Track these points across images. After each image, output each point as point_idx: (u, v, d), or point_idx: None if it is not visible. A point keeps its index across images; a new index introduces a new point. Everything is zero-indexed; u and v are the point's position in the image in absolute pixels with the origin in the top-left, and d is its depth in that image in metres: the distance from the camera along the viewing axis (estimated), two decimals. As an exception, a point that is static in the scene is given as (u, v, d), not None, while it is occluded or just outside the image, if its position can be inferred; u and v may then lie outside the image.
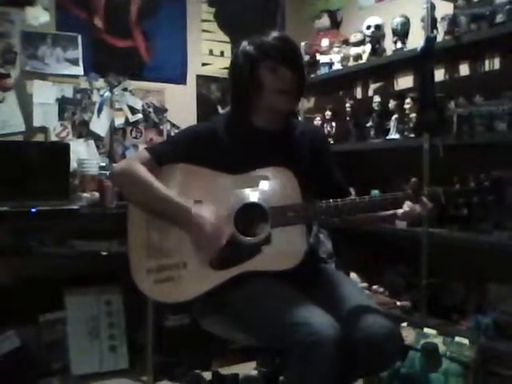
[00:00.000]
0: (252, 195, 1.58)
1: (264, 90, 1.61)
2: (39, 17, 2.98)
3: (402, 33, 2.68)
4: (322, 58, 3.11)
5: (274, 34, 1.63)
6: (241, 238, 1.55)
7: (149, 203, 1.60)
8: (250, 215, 1.57)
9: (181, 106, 3.35)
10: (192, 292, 1.57)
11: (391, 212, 1.57)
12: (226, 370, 2.69)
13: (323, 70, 3.09)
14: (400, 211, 1.53)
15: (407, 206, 1.51)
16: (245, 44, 1.65)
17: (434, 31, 2.43)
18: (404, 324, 2.34)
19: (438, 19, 2.44)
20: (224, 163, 1.60)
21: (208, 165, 1.62)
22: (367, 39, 2.87)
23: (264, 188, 1.58)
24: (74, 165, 2.90)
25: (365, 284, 2.73)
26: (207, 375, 2.67)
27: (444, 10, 2.44)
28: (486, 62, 2.49)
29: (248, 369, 2.73)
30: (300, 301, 1.45)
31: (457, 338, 2.15)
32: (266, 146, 1.65)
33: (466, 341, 2.12)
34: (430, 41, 2.37)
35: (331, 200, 1.56)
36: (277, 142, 1.68)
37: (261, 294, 1.51)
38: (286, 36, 1.66)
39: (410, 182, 1.56)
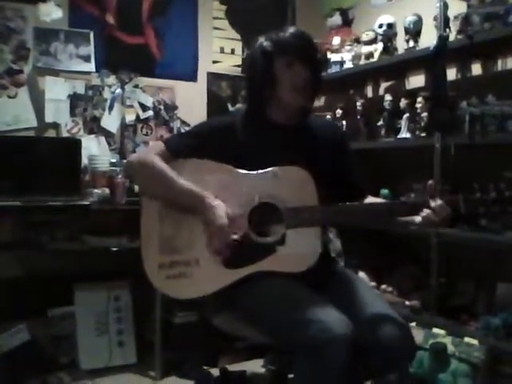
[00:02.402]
0: (267, 194, 1.56)
1: (280, 85, 1.60)
2: (52, 13, 2.99)
3: (414, 31, 2.67)
4: (333, 57, 3.11)
5: (291, 29, 1.63)
6: (255, 238, 1.54)
7: (164, 193, 1.60)
8: (264, 214, 1.56)
9: (191, 103, 3.35)
10: (204, 289, 1.57)
11: (409, 219, 1.53)
12: (233, 367, 2.70)
13: (334, 69, 3.09)
14: (418, 219, 1.49)
15: (425, 213, 1.47)
16: (262, 40, 1.64)
17: (447, 30, 2.41)
18: (413, 324, 2.34)
19: (451, 18, 2.42)
20: (240, 159, 1.59)
21: (224, 160, 1.60)
22: (379, 38, 2.86)
23: (280, 187, 1.56)
24: (84, 161, 2.92)
25: (373, 283, 2.72)
26: (215, 372, 2.68)
27: (457, 8, 2.43)
28: (499, 62, 2.47)
29: (256, 366, 2.74)
30: (313, 299, 1.45)
31: (466, 339, 2.15)
32: (283, 141, 1.64)
33: (474, 341, 2.12)
34: (442, 40, 2.36)
35: (348, 203, 1.54)
36: (294, 137, 1.66)
37: (274, 292, 1.51)
38: (303, 31, 1.65)
39: (428, 186, 1.53)
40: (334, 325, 1.34)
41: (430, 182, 1.55)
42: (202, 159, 1.62)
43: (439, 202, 1.47)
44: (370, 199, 1.73)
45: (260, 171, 1.58)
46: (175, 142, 1.69)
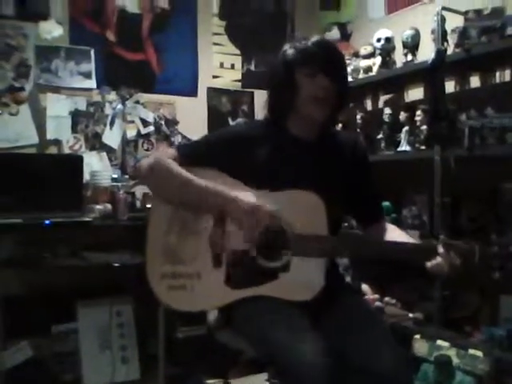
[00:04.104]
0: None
1: (301, 96, 1.55)
2: (53, 31, 3.02)
3: (412, 45, 2.69)
4: (332, 71, 3.12)
5: (315, 38, 1.58)
6: (260, 261, 1.52)
7: (179, 193, 1.54)
8: (272, 237, 1.52)
9: (192, 118, 3.37)
10: (202, 305, 1.57)
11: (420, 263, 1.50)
12: (237, 382, 2.69)
13: (333, 82, 3.10)
14: (429, 265, 1.46)
15: (437, 261, 1.45)
16: (286, 47, 1.60)
17: (445, 43, 2.44)
18: (417, 336, 2.34)
19: (449, 31, 2.45)
20: (254, 173, 1.55)
21: (237, 175, 1.56)
22: (377, 51, 2.87)
23: (290, 212, 1.51)
24: (86, 177, 2.93)
25: (377, 295, 2.72)
26: (219, 386, 2.68)
27: (454, 22, 2.45)
28: (497, 75, 2.49)
29: (260, 380, 2.72)
30: (297, 326, 1.41)
31: (470, 351, 2.14)
32: (301, 156, 1.59)
33: (479, 353, 2.11)
34: (440, 53, 2.38)
35: (359, 237, 1.52)
36: (312, 152, 1.61)
37: (264, 315, 1.48)
38: (328, 41, 1.61)
39: (441, 241, 1.50)
40: (308, 355, 1.30)
41: (442, 237, 1.51)
42: (214, 171, 1.57)
43: (453, 255, 1.45)
44: (389, 230, 1.69)
45: (273, 192, 1.53)
46: (187, 149, 1.65)
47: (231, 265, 1.54)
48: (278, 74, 1.59)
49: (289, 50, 1.58)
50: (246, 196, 1.50)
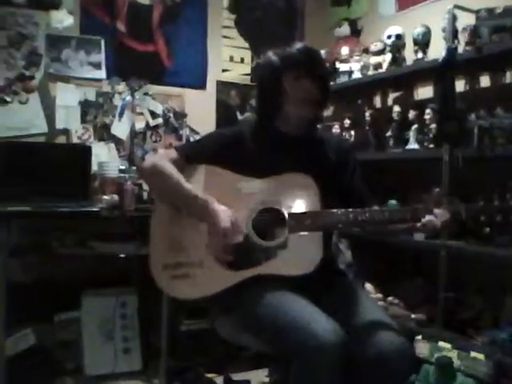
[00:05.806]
0: (272, 200, 1.60)
1: (288, 97, 1.67)
2: (64, 20, 3.03)
3: (422, 43, 2.67)
4: (341, 67, 3.11)
5: (298, 45, 1.69)
6: (258, 241, 1.57)
7: (171, 198, 1.65)
8: (268, 219, 1.59)
9: (200, 111, 3.37)
10: (205, 290, 1.59)
11: (410, 224, 1.56)
12: (238, 376, 2.69)
13: (343, 79, 3.09)
14: (418, 224, 1.52)
15: (427, 218, 1.51)
16: (270, 54, 1.71)
17: (455, 42, 2.41)
18: (419, 337, 2.32)
19: (460, 30, 2.42)
20: (248, 168, 1.64)
21: (233, 168, 1.66)
22: (387, 48, 2.85)
23: (284, 194, 1.60)
24: (94, 167, 2.94)
25: (380, 295, 2.71)
26: (219, 380, 2.68)
27: (466, 20, 2.42)
28: (508, 74, 2.46)
29: (261, 376, 2.73)
30: (305, 307, 1.45)
31: (472, 353, 2.13)
32: (291, 151, 1.68)
33: (481, 356, 2.10)
34: (451, 51, 2.36)
35: (350, 209, 1.55)
36: (302, 147, 1.72)
37: (269, 297, 1.51)
38: (310, 47, 1.71)
39: (433, 193, 1.55)
40: (322, 332, 1.34)
41: (437, 189, 1.56)
42: (211, 165, 1.67)
43: (441, 208, 1.52)
44: None
45: (267, 178, 1.63)
46: (187, 149, 1.77)
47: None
48: (265, 78, 1.71)
49: (273, 56, 1.70)
50: (224, 212, 1.56)
